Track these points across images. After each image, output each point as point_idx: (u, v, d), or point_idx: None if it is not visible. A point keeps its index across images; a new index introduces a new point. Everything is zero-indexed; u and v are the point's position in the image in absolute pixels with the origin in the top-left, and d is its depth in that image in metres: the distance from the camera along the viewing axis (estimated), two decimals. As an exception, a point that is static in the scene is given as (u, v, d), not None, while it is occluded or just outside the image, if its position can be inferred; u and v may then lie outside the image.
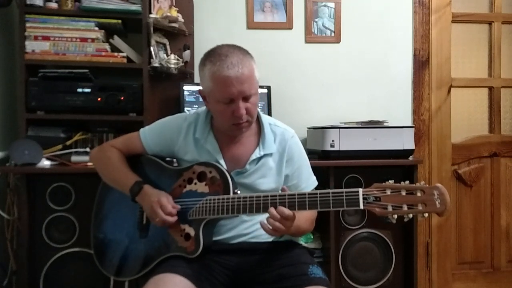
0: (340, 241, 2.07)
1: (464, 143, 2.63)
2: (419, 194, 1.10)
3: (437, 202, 1.08)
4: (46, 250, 1.85)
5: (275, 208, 1.18)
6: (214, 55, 1.27)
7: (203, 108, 1.44)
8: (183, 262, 1.25)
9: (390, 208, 1.10)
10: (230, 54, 1.26)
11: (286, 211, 1.17)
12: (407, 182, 1.13)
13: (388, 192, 1.12)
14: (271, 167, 1.38)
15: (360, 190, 1.13)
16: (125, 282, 1.86)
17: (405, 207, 1.10)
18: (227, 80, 1.23)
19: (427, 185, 1.10)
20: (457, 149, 2.61)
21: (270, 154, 1.38)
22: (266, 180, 1.37)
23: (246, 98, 1.27)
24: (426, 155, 2.56)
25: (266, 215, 1.20)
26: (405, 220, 1.12)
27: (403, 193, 1.11)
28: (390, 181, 1.14)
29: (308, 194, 1.19)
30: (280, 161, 1.40)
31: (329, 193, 1.17)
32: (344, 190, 1.16)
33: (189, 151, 1.39)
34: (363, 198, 1.13)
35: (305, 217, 1.34)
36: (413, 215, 1.11)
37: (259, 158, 1.37)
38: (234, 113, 1.27)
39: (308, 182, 1.45)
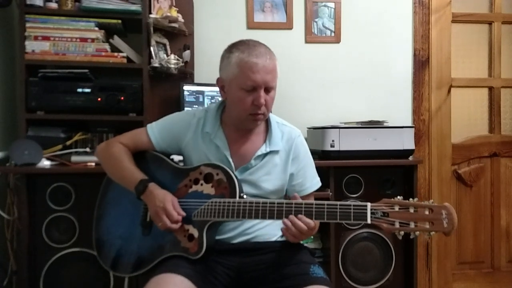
0: (340, 241, 2.07)
1: (464, 143, 2.63)
2: (427, 212, 1.10)
3: (444, 222, 1.08)
4: (46, 250, 1.85)
5: (283, 218, 1.21)
6: (242, 44, 1.32)
7: (212, 105, 1.46)
8: (185, 262, 1.25)
9: (397, 225, 1.11)
10: (258, 45, 1.32)
11: (312, 223, 1.20)
12: (415, 199, 1.13)
13: (396, 208, 1.12)
14: (276, 164, 1.39)
15: (369, 205, 1.14)
16: (124, 282, 1.86)
17: (412, 225, 1.10)
18: (254, 67, 1.26)
19: (436, 204, 1.11)
20: (457, 149, 2.61)
21: (277, 152, 1.39)
22: (270, 177, 1.38)
23: (267, 90, 1.30)
24: (426, 155, 2.56)
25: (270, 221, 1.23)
26: (411, 237, 1.13)
27: (411, 210, 1.11)
28: (398, 197, 1.15)
29: (315, 204, 1.20)
30: (286, 159, 1.41)
31: (336, 205, 1.17)
32: (352, 203, 1.17)
33: (197, 147, 1.39)
34: (371, 213, 1.13)
35: None
36: (419, 233, 1.11)
37: (265, 154, 1.38)
38: (254, 101, 1.29)
39: (313, 181, 1.46)
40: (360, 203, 1.16)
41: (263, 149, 1.37)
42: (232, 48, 1.33)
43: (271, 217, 1.22)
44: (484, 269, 2.65)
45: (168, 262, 1.27)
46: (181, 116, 1.46)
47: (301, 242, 1.51)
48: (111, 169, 1.44)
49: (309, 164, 1.47)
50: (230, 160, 1.36)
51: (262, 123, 1.41)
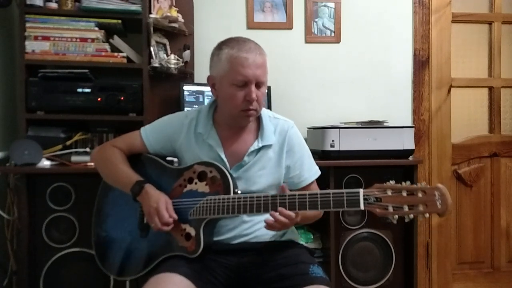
0: (340, 241, 2.07)
1: (464, 143, 2.63)
2: (420, 194, 1.09)
3: (438, 203, 1.07)
4: (46, 250, 1.84)
5: (277, 211, 1.19)
6: (231, 41, 1.33)
7: (205, 105, 1.46)
8: (184, 261, 1.25)
9: (390, 209, 1.10)
10: (247, 41, 1.33)
11: (287, 212, 1.19)
12: (408, 182, 1.12)
13: (389, 192, 1.12)
14: (270, 158, 1.39)
15: (361, 191, 1.13)
16: (125, 282, 1.86)
17: (405, 208, 1.09)
18: (245, 62, 1.27)
19: (428, 186, 1.10)
20: (457, 149, 2.61)
21: (270, 146, 1.39)
22: (266, 171, 1.38)
23: (258, 85, 1.31)
24: (426, 155, 2.56)
25: (267, 215, 1.21)
26: (406, 220, 1.12)
27: (404, 193, 1.11)
28: (391, 181, 1.14)
29: (309, 194, 1.19)
30: (280, 152, 1.40)
31: (329, 193, 1.17)
32: (344, 190, 1.16)
33: (191, 148, 1.40)
34: (364, 199, 1.13)
35: None
36: (414, 215, 1.11)
37: (258, 150, 1.38)
38: (246, 97, 1.29)
39: (311, 172, 1.46)
40: (352, 190, 1.15)
41: (255, 145, 1.37)
42: (222, 45, 1.34)
43: (266, 210, 1.21)
44: (484, 269, 2.65)
45: (167, 262, 1.28)
46: (173, 118, 1.46)
47: (301, 242, 1.51)
48: (107, 172, 1.45)
49: (305, 155, 1.46)
50: (224, 159, 1.36)
51: (254, 119, 1.41)
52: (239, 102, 1.30)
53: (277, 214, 1.18)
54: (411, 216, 1.10)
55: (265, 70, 1.33)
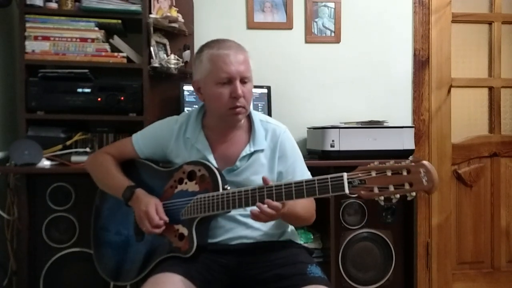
0: (340, 241, 2.07)
1: (464, 143, 2.63)
2: (405, 173, 1.06)
3: (424, 180, 1.03)
4: (46, 250, 1.85)
5: (263, 202, 1.18)
6: (211, 42, 1.34)
7: (194, 109, 1.46)
8: (181, 262, 1.26)
9: (376, 190, 1.07)
10: (227, 40, 1.34)
11: (274, 203, 1.17)
12: (392, 162, 1.09)
13: (373, 173, 1.09)
14: (263, 163, 1.38)
15: (345, 175, 1.12)
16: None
17: (391, 188, 1.06)
18: (227, 59, 1.28)
19: (413, 163, 1.06)
20: (457, 149, 2.61)
21: (262, 150, 1.38)
22: (258, 177, 1.35)
23: (243, 81, 1.30)
24: (426, 155, 2.56)
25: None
26: (394, 201, 1.09)
27: (389, 173, 1.07)
28: (374, 162, 1.11)
29: (295, 183, 1.18)
30: (272, 157, 1.39)
31: (314, 180, 1.16)
32: (329, 176, 1.14)
33: (181, 153, 1.40)
34: (348, 182, 1.11)
35: (302, 205, 1.32)
36: (400, 195, 1.07)
37: (250, 155, 1.37)
38: (232, 94, 1.28)
39: (303, 177, 1.43)
40: (336, 174, 1.13)
41: (247, 150, 1.37)
42: (202, 47, 1.35)
43: (253, 203, 1.20)
44: (484, 269, 2.65)
45: (165, 262, 1.28)
46: (164, 124, 1.47)
47: (300, 241, 1.51)
48: (100, 178, 1.46)
49: (298, 160, 1.44)
50: (213, 161, 1.35)
51: (244, 120, 1.40)
52: (226, 100, 1.29)
53: (263, 206, 1.17)
54: (398, 196, 1.07)
55: (248, 66, 1.32)
